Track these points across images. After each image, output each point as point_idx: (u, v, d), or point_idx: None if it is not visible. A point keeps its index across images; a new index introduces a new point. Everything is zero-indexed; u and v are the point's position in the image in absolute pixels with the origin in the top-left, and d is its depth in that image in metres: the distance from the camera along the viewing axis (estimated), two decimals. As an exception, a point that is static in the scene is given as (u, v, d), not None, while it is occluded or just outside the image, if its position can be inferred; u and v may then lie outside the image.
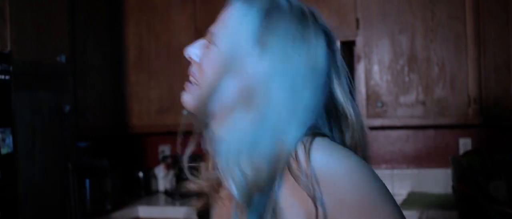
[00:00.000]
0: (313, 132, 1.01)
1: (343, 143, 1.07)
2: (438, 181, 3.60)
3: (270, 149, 0.98)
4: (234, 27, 1.04)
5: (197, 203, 1.23)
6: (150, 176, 4.12)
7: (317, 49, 1.05)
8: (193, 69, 1.11)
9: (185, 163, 1.20)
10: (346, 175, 0.96)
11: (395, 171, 3.68)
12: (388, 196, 1.00)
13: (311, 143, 0.97)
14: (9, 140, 2.46)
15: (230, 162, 1.00)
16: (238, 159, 0.99)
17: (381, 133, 3.73)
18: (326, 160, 0.96)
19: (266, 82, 1.00)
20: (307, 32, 1.04)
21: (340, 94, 1.09)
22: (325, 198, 0.94)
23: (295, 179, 0.96)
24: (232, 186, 0.99)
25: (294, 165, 0.97)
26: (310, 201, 0.95)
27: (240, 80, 1.01)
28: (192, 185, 1.20)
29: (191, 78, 1.11)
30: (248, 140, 0.99)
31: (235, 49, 1.02)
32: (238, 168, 0.99)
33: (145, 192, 4.03)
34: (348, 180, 0.95)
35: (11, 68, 2.46)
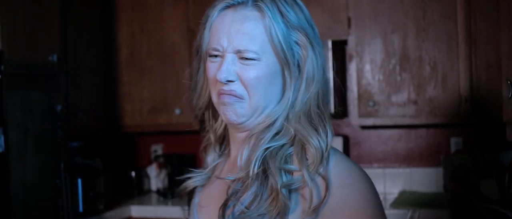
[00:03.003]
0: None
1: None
2: (429, 180, 3.61)
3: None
4: (266, 34, 1.13)
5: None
6: (143, 176, 4.11)
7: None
8: (233, 87, 1.15)
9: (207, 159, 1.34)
10: (352, 181, 1.12)
11: (387, 170, 3.69)
12: (383, 214, 1.14)
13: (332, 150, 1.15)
14: (1, 140, 2.45)
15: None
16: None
17: (373, 132, 3.74)
18: (343, 166, 1.14)
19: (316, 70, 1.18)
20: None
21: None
22: (331, 197, 1.08)
23: (306, 170, 1.09)
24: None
25: (313, 155, 1.11)
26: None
27: (306, 81, 1.17)
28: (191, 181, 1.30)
29: (232, 97, 1.16)
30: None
31: (282, 56, 1.14)
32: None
33: (137, 191, 4.02)
34: (357, 191, 1.11)
35: (2, 67, 2.46)
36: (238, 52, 1.13)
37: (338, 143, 3.60)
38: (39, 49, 2.90)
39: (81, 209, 3.31)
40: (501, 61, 1.94)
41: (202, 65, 1.22)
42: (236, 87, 1.15)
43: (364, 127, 3.71)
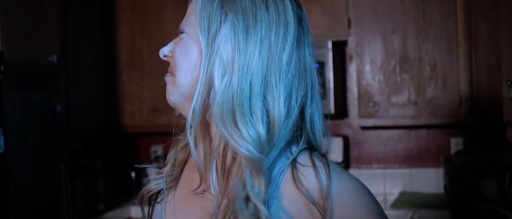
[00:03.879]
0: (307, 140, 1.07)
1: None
2: (430, 180, 3.61)
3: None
4: (201, 9, 1.04)
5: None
6: (143, 176, 4.11)
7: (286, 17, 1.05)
8: (171, 64, 1.10)
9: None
10: (356, 197, 1.02)
11: (387, 171, 3.68)
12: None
13: (328, 163, 1.01)
14: (1, 140, 2.45)
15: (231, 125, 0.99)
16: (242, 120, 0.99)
17: (373, 133, 3.73)
18: (341, 182, 1.01)
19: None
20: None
21: None
22: (335, 213, 0.99)
23: (301, 186, 0.99)
24: (243, 144, 0.97)
25: (302, 172, 1.00)
26: (314, 209, 0.98)
27: (218, 54, 1.01)
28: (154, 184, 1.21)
29: (168, 74, 1.11)
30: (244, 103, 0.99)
31: (208, 28, 1.02)
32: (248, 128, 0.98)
33: (137, 192, 4.00)
34: (358, 202, 1.01)
35: (2, 68, 2.46)
36: (181, 30, 1.09)
37: (338, 143, 3.60)
38: (39, 50, 2.90)
39: (81, 209, 3.31)
40: (501, 61, 1.94)
41: None
42: (172, 64, 1.10)
43: (364, 128, 3.70)
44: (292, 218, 0.99)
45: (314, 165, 1.00)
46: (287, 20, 1.03)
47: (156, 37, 3.82)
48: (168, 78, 1.10)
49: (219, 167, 1.04)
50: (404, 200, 3.32)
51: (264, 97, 0.99)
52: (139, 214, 3.58)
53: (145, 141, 4.30)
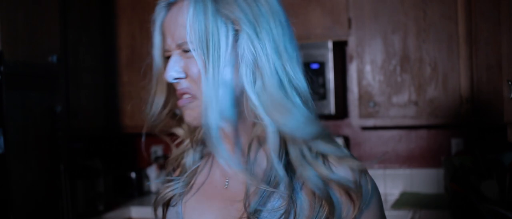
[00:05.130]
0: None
1: None
2: (430, 181, 3.60)
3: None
4: (198, 23, 1.03)
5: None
6: (143, 177, 4.11)
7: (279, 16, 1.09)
8: (184, 85, 1.08)
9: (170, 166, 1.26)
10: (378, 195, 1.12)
11: (388, 171, 3.68)
12: None
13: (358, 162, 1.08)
14: (1, 140, 2.45)
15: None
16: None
17: (373, 133, 3.73)
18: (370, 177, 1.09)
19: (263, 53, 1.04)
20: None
21: None
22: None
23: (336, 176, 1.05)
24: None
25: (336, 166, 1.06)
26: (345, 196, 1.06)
27: (245, 65, 1.04)
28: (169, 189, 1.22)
29: (185, 96, 1.08)
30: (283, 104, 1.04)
31: (214, 39, 1.02)
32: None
33: (137, 192, 4.02)
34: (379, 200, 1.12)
35: (2, 68, 2.45)
36: (179, 46, 1.07)
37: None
38: (39, 50, 2.90)
39: (80, 209, 3.31)
40: (502, 61, 1.93)
41: (155, 70, 1.16)
42: (187, 85, 1.08)
43: (364, 128, 3.70)
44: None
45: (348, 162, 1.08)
46: (275, 8, 1.07)
47: (156, 37, 3.81)
48: (190, 105, 1.09)
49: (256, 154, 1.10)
50: (405, 201, 3.31)
51: (290, 85, 1.05)
52: (139, 215, 3.58)
53: (145, 142, 4.29)
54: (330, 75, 3.34)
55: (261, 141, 1.09)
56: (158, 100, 1.17)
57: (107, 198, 3.57)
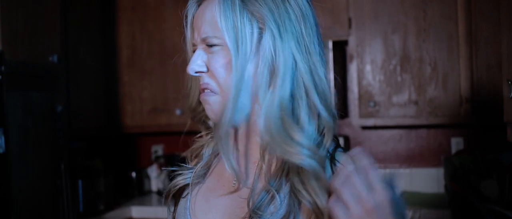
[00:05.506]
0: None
1: None
2: (430, 180, 3.61)
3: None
4: (225, 18, 1.03)
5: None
6: (143, 176, 4.11)
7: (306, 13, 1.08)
8: (205, 80, 1.08)
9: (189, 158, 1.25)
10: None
11: (388, 171, 3.68)
12: None
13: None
14: (1, 140, 2.45)
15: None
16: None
17: (373, 133, 3.73)
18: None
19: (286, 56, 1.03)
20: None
21: None
22: None
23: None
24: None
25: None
26: None
27: (263, 64, 1.03)
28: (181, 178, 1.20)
29: (206, 91, 1.09)
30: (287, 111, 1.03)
31: (240, 35, 1.03)
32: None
33: (138, 192, 4.02)
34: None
35: (3, 68, 2.45)
36: (203, 40, 1.08)
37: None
38: (39, 50, 2.90)
39: (81, 209, 3.31)
40: (502, 61, 1.94)
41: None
42: (208, 80, 1.08)
43: (364, 127, 3.70)
44: None
45: None
46: (305, 11, 1.06)
47: (156, 37, 3.82)
48: (211, 98, 1.08)
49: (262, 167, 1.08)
50: (405, 200, 3.31)
51: (315, 89, 1.04)
52: (140, 214, 3.58)
53: (145, 141, 4.30)
54: (330, 75, 3.35)
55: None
56: (194, 93, 1.17)
57: (107, 197, 3.57)
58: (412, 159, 3.68)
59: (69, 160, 2.96)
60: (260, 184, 1.07)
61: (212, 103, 1.08)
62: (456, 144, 3.57)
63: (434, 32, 3.23)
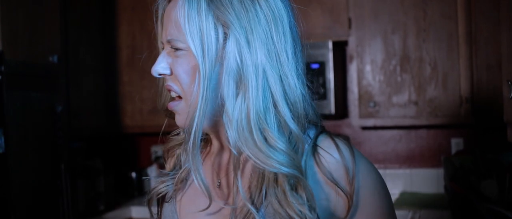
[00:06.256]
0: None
1: None
2: (430, 180, 3.61)
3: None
4: (189, 21, 0.98)
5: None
6: (143, 176, 4.11)
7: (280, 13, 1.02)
8: (169, 82, 1.05)
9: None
10: (374, 182, 1.08)
11: (388, 171, 3.68)
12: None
13: (351, 145, 1.05)
14: (1, 140, 2.45)
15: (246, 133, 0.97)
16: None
17: (373, 133, 3.73)
18: (363, 166, 1.06)
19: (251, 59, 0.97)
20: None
21: None
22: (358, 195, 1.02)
23: (325, 169, 1.00)
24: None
25: (324, 157, 1.01)
26: (339, 191, 1.00)
27: (228, 73, 0.97)
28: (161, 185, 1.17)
29: (172, 93, 1.06)
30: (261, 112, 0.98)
31: (205, 41, 0.97)
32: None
33: (138, 192, 4.02)
34: (378, 178, 1.10)
35: (3, 68, 2.45)
36: (168, 42, 1.03)
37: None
38: (39, 50, 2.90)
39: (81, 209, 3.31)
40: (502, 61, 1.93)
41: None
42: (171, 83, 1.04)
43: (364, 128, 3.70)
44: (318, 199, 0.99)
45: (338, 148, 1.02)
46: (278, 14, 1.00)
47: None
48: (177, 107, 1.05)
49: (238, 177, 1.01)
50: (405, 200, 3.31)
51: (284, 99, 0.99)
52: (140, 214, 3.58)
53: (145, 141, 4.30)
54: (330, 75, 3.35)
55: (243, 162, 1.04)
56: (166, 92, 1.13)
57: (107, 197, 3.57)
58: (412, 159, 3.68)
59: (69, 160, 2.96)
60: (240, 201, 1.00)
61: (181, 112, 1.05)
62: (456, 144, 3.57)
63: (434, 32, 3.23)
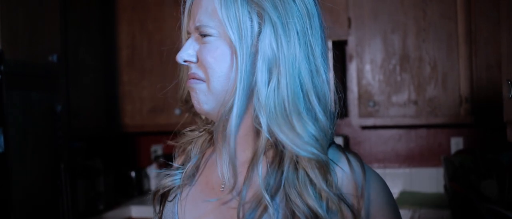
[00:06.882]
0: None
1: None
2: (430, 180, 3.61)
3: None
4: (226, 7, 0.99)
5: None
6: (143, 176, 4.11)
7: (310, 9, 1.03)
8: (193, 70, 1.04)
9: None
10: (384, 197, 1.04)
11: (387, 170, 3.69)
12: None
13: (361, 161, 1.03)
14: (1, 140, 2.45)
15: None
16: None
17: (373, 132, 3.73)
18: (373, 182, 1.03)
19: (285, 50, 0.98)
20: None
21: None
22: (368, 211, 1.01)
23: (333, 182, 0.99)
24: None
25: (335, 170, 1.00)
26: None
27: (262, 61, 0.98)
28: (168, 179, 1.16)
29: (192, 80, 1.05)
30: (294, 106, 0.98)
31: (242, 27, 0.98)
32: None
33: (137, 192, 4.02)
34: (389, 195, 1.05)
35: (2, 68, 2.45)
36: (197, 29, 1.03)
37: (338, 143, 3.60)
38: (39, 49, 2.90)
39: (81, 209, 3.31)
40: (502, 61, 1.93)
41: None
42: (197, 70, 1.04)
43: (364, 127, 3.70)
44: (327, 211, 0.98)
45: (349, 163, 1.02)
46: (311, 10, 1.02)
47: (156, 37, 3.82)
48: (197, 86, 1.04)
49: (263, 164, 1.01)
50: (404, 200, 3.32)
51: (314, 92, 1.00)
52: (139, 214, 3.58)
53: (145, 141, 4.30)
54: (330, 75, 3.34)
55: (266, 154, 1.03)
56: (185, 84, 1.12)
57: (107, 197, 3.57)
58: (411, 159, 3.68)
59: (69, 159, 2.95)
60: (251, 191, 1.01)
61: (199, 93, 1.04)
62: (456, 143, 3.57)
63: (433, 32, 3.23)
